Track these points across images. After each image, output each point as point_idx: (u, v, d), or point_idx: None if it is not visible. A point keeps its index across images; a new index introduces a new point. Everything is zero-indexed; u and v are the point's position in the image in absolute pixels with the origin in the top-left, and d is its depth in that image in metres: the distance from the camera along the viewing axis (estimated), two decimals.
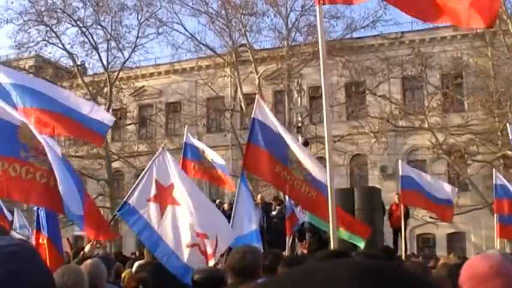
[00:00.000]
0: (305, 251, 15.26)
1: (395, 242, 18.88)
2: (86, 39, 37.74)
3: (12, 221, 15.59)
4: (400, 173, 15.34)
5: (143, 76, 42.34)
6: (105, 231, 8.55)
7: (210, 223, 8.43)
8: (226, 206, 18.53)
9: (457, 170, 32.94)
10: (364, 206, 16.86)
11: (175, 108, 42.99)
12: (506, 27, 30.47)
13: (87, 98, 37.51)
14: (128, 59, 38.20)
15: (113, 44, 37.99)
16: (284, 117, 34.78)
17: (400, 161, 16.77)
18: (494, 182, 15.00)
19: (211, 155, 15.31)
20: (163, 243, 8.27)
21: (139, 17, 37.65)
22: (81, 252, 8.78)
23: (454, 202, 17.24)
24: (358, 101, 38.03)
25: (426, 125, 32.71)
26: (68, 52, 38.19)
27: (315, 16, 8.79)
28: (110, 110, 37.97)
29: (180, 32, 38.40)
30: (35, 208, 8.58)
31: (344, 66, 36.33)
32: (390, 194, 23.09)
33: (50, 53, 39.55)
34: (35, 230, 9.26)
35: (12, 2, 36.60)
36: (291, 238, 16.02)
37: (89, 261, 6.41)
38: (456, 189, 19.02)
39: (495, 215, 15.19)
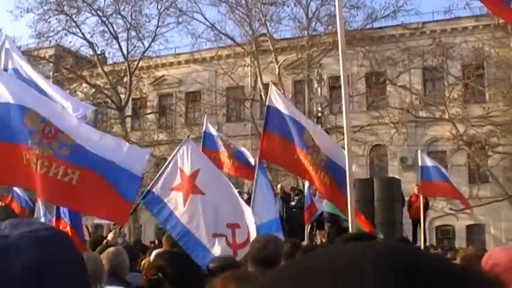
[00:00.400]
0: (324, 240, 15.27)
1: (415, 233, 18.82)
2: (106, 29, 37.85)
3: (33, 210, 15.73)
4: (420, 164, 15.26)
5: (163, 65, 42.34)
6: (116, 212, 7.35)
7: (240, 213, 8.41)
8: (245, 196, 18.53)
9: (477, 162, 32.71)
10: (384, 196, 16.80)
11: (195, 97, 43.02)
12: None
13: (107, 87, 37.77)
14: (147, 49, 38.27)
15: (132, 33, 38.05)
16: (304, 107, 34.62)
17: (419, 151, 16.67)
18: None
19: (238, 148, 15.29)
20: (188, 232, 8.25)
21: (159, 7, 37.65)
22: (105, 241, 8.78)
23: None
24: (379, 91, 37.84)
25: (447, 116, 32.49)
26: (88, 41, 38.32)
27: (335, 6, 8.71)
28: (130, 99, 38.17)
29: (200, 22, 38.29)
30: None
31: (364, 57, 36.12)
32: (410, 185, 22.95)
33: (70, 42, 39.51)
34: (54, 218, 9.31)
35: None
36: (309, 228, 16.03)
37: (111, 249, 6.42)
38: None
39: None
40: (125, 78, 38.35)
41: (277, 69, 36.37)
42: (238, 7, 37.18)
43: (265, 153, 10.36)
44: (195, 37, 38.64)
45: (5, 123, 6.58)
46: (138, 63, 38.09)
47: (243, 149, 15.77)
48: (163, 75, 42.82)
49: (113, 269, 5.96)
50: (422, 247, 14.74)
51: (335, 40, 29.60)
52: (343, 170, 8.52)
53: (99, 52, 39.01)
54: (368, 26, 37.03)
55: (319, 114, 28.61)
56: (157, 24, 37.70)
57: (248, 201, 10.13)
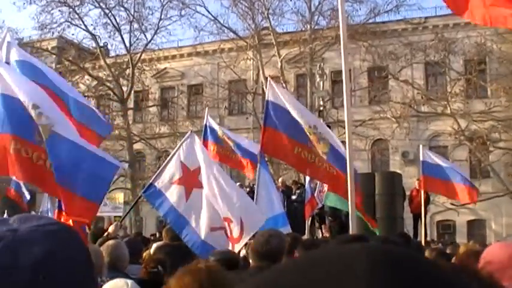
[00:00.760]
0: (327, 234, 15.28)
1: (415, 228, 18.82)
2: (109, 21, 37.71)
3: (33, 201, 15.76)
4: (421, 159, 15.27)
5: (165, 58, 42.30)
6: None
7: (234, 208, 8.39)
8: (246, 190, 18.50)
9: (478, 157, 32.71)
10: (385, 191, 16.78)
11: (197, 90, 43.03)
12: None
13: (109, 79, 37.78)
14: (150, 41, 38.13)
15: (135, 25, 37.95)
16: (306, 101, 34.61)
17: (421, 146, 16.67)
18: None
19: (239, 140, 15.24)
20: (189, 226, 8.29)
21: None
22: (106, 233, 8.80)
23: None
24: (381, 85, 37.82)
25: (448, 111, 32.48)
26: (91, 33, 38.24)
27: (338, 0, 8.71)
28: (132, 92, 38.16)
29: (203, 15, 38.20)
30: None
31: (367, 51, 36.10)
32: (411, 179, 22.94)
33: (72, 34, 39.44)
34: (56, 210, 9.32)
35: None
36: (310, 221, 16.03)
37: (110, 242, 6.45)
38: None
39: None
40: (127, 70, 38.30)
41: (279, 63, 36.34)
42: (241, 0, 37.12)
43: (266, 148, 10.39)
44: (198, 30, 38.60)
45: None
46: (140, 55, 38.01)
47: (243, 141, 15.64)
48: (165, 68, 42.80)
49: (112, 262, 6.00)
50: (423, 242, 14.77)
51: (337, 34, 29.51)
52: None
53: (101, 44, 38.93)
54: (370, 21, 36.91)
55: (321, 108, 28.58)
56: (160, 16, 37.66)
57: (251, 194, 10.14)
